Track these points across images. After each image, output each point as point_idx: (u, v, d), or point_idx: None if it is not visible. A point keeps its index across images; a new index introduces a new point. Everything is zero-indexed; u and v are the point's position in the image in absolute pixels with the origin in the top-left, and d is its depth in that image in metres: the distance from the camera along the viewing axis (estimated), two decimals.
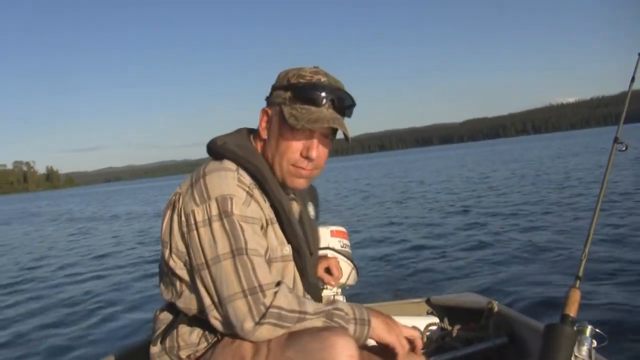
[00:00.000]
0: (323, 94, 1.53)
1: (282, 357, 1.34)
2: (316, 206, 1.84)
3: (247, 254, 1.41)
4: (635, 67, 1.93)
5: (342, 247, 2.61)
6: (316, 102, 1.52)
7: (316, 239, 1.81)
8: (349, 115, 1.62)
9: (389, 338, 1.49)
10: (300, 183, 1.61)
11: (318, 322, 1.40)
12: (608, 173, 1.83)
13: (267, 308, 1.36)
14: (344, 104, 1.57)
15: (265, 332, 1.36)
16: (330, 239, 2.60)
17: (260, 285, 1.38)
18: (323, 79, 1.56)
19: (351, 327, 1.44)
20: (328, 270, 2.08)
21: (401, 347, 1.51)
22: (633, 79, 1.95)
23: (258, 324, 1.35)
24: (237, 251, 1.41)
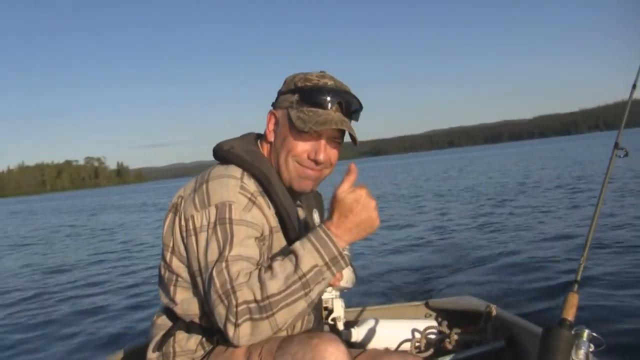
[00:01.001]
0: (330, 97, 1.53)
1: None
2: (321, 212, 1.84)
3: (226, 260, 1.39)
4: (638, 74, 1.94)
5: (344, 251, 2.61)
6: (323, 105, 1.53)
7: None
8: (356, 119, 1.63)
9: (356, 219, 1.43)
10: (308, 185, 1.60)
11: (298, 296, 1.34)
12: (607, 178, 1.84)
13: (237, 308, 1.32)
14: (351, 107, 1.58)
15: (245, 331, 1.32)
16: None
17: (232, 287, 1.34)
18: (330, 83, 1.56)
19: (328, 275, 1.40)
20: None
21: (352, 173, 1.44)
22: (634, 86, 1.96)
23: (237, 326, 1.32)
24: (220, 258, 1.40)
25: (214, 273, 1.38)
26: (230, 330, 1.33)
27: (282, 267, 1.37)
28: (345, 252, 2.62)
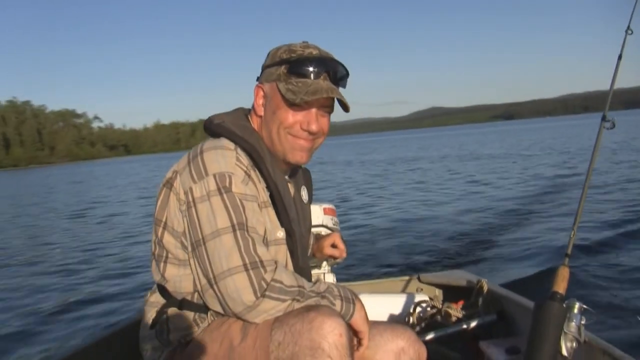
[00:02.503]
0: (317, 66, 1.52)
1: (271, 340, 1.33)
2: (309, 189, 1.83)
3: (247, 230, 1.40)
4: (623, 44, 1.93)
5: (333, 224, 2.63)
6: (312, 75, 1.51)
7: (308, 222, 1.80)
8: (344, 86, 1.61)
9: (364, 327, 1.51)
10: (302, 156, 1.59)
11: (312, 302, 1.40)
12: (596, 151, 1.83)
13: (269, 282, 1.34)
14: (338, 75, 1.56)
15: (267, 305, 1.35)
16: (323, 216, 2.61)
17: (261, 261, 1.37)
18: (315, 52, 1.54)
19: (338, 304, 1.44)
20: (334, 246, 2.07)
21: (367, 339, 1.53)
22: (620, 57, 1.95)
23: (260, 297, 1.33)
24: (238, 226, 1.39)
25: (230, 241, 1.38)
26: (249, 298, 1.34)
27: (301, 278, 1.45)
28: (336, 227, 2.65)
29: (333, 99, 1.57)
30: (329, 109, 1.59)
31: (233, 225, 1.39)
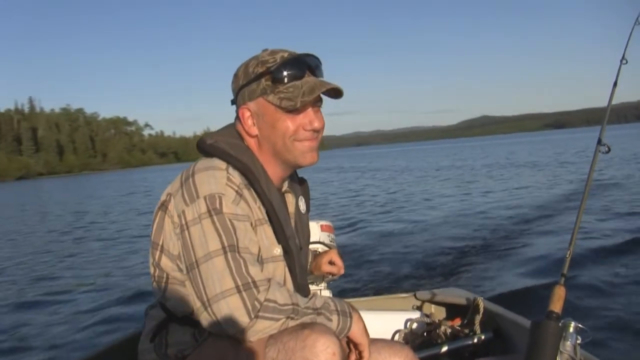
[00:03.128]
0: (298, 66, 1.51)
1: (265, 358, 1.33)
2: (307, 200, 1.83)
3: (238, 252, 1.39)
4: (618, 73, 1.97)
5: (330, 241, 2.63)
6: (297, 76, 1.50)
7: (306, 233, 1.79)
8: (322, 75, 1.60)
9: (363, 339, 1.50)
10: (313, 157, 1.58)
11: (307, 319, 1.39)
12: (592, 173, 1.86)
13: (262, 302, 1.34)
14: (317, 66, 1.57)
15: (261, 325, 1.34)
16: (320, 233, 2.61)
17: (253, 282, 1.36)
18: (286, 54, 1.54)
19: (334, 319, 1.44)
20: (332, 263, 2.08)
21: (368, 352, 1.52)
22: (615, 84, 1.99)
23: (254, 318, 1.33)
24: (229, 248, 1.39)
25: (222, 263, 1.37)
26: (243, 320, 1.33)
27: (297, 294, 1.45)
28: (333, 244, 2.65)
29: (333, 88, 1.55)
30: (320, 103, 1.58)
31: (224, 247, 1.39)
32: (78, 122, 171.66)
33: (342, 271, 2.09)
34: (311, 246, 2.20)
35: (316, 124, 1.53)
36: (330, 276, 2.16)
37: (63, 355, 4.44)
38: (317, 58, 1.58)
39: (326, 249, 2.52)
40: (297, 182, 1.80)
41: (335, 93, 1.57)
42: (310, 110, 1.53)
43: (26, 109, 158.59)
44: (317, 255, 2.12)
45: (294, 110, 1.51)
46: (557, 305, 1.63)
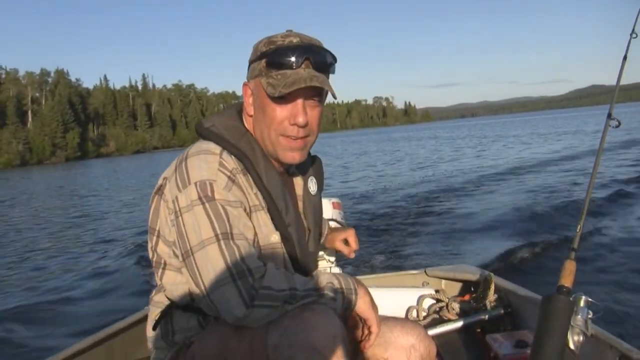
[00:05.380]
0: (295, 55, 1.44)
1: (266, 343, 1.32)
2: (319, 178, 1.78)
3: (232, 239, 1.36)
4: (627, 46, 1.95)
5: (341, 218, 2.65)
6: (290, 65, 1.44)
7: (317, 215, 1.74)
8: (332, 72, 1.54)
9: (369, 313, 1.49)
10: (294, 157, 1.52)
11: (308, 301, 1.37)
12: (602, 148, 1.85)
13: (258, 290, 1.31)
14: (321, 61, 1.48)
15: (258, 314, 1.32)
16: (332, 210, 2.62)
17: (248, 269, 1.33)
18: (295, 40, 1.47)
19: (339, 297, 1.43)
20: (346, 242, 2.05)
21: (377, 326, 1.50)
22: (625, 57, 1.97)
23: (250, 307, 1.30)
24: (223, 235, 1.36)
25: (216, 251, 1.35)
26: (240, 309, 1.31)
27: (297, 275, 1.42)
28: (343, 221, 2.66)
29: (322, 88, 1.48)
30: (318, 99, 1.51)
31: (217, 235, 1.36)
32: (189, 98, 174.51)
33: (353, 255, 2.05)
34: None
35: (300, 119, 1.46)
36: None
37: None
38: (330, 54, 1.51)
39: (338, 226, 2.51)
40: (309, 161, 1.74)
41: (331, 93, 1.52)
42: (299, 103, 1.47)
43: (139, 86, 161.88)
44: (332, 229, 2.10)
45: (281, 99, 1.45)
46: (567, 280, 1.62)
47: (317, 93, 1.49)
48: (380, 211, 9.39)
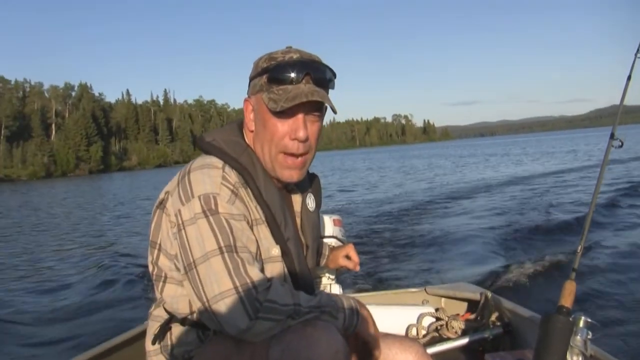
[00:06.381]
0: (296, 70, 1.47)
1: (267, 357, 1.32)
2: (317, 196, 1.79)
3: (236, 251, 1.37)
4: (632, 66, 1.96)
5: (342, 236, 2.65)
6: (291, 80, 1.47)
7: (315, 231, 1.75)
8: (332, 87, 1.56)
9: (371, 337, 1.50)
10: (292, 175, 1.54)
11: (310, 317, 1.37)
12: (604, 168, 1.86)
13: (262, 303, 1.31)
14: (321, 76, 1.51)
15: (261, 327, 1.31)
16: (333, 227, 2.63)
17: (252, 282, 1.33)
18: (295, 56, 1.50)
19: (340, 316, 1.43)
20: (348, 257, 2.06)
21: (377, 349, 1.51)
22: (629, 77, 1.98)
23: (253, 319, 1.30)
24: (226, 248, 1.36)
25: (220, 263, 1.34)
26: (243, 321, 1.30)
27: (302, 292, 1.41)
28: (344, 238, 2.66)
29: (321, 104, 1.51)
30: (319, 114, 1.53)
31: (221, 248, 1.36)
32: (210, 113, 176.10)
33: (358, 268, 2.07)
34: (326, 240, 2.20)
35: (300, 133, 1.48)
36: (345, 270, 2.17)
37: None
38: (329, 69, 1.54)
39: (340, 243, 2.53)
40: (307, 178, 1.76)
41: (331, 108, 1.53)
42: (300, 117, 1.49)
43: (161, 101, 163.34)
44: (332, 249, 2.11)
45: (282, 114, 1.47)
46: (567, 300, 1.63)
47: (318, 108, 1.52)
48: (380, 227, 9.38)
